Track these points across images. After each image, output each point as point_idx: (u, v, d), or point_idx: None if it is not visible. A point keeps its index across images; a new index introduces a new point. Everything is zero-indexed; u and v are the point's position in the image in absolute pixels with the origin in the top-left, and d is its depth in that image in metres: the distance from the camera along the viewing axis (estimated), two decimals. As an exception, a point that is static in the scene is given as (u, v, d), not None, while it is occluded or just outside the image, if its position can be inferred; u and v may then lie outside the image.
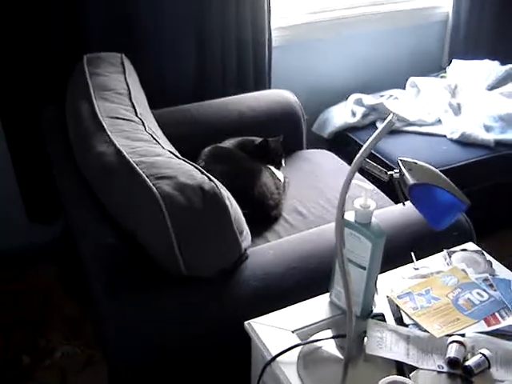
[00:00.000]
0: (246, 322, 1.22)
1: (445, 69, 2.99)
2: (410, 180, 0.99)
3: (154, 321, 1.23)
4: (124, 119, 1.54)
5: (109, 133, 1.45)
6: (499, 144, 2.42)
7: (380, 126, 0.89)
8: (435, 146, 2.40)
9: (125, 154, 1.34)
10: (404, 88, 2.83)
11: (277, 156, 2.08)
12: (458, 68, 2.81)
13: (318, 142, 2.63)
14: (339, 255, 1.01)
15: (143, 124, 1.55)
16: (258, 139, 2.08)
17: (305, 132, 2.33)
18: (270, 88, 2.55)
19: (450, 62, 3.00)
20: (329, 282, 1.28)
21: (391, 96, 2.73)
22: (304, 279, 1.37)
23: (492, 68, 2.74)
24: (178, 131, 2.06)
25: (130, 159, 1.31)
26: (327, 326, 1.24)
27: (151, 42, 2.22)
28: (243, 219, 1.33)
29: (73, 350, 2.08)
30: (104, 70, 1.76)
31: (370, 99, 2.60)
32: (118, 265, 1.22)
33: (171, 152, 1.39)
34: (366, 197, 1.15)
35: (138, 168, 1.28)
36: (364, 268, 1.19)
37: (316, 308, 1.28)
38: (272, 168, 2.03)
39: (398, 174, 1.00)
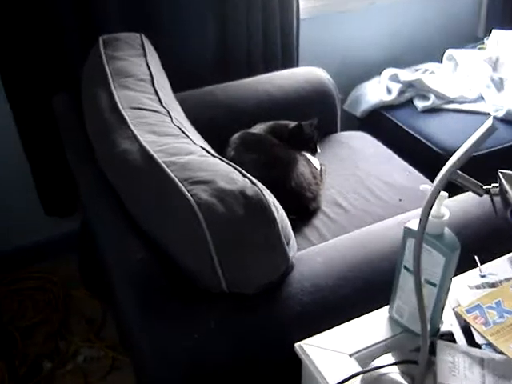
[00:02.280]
0: (296, 344, 1.07)
1: (482, 39, 2.78)
2: (516, 199, 0.81)
3: (193, 345, 1.08)
4: (148, 110, 1.37)
5: (132, 127, 1.28)
6: (548, 122, 2.23)
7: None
8: (479, 126, 2.19)
9: (152, 153, 1.17)
10: (440, 61, 2.64)
11: (312, 141, 1.92)
12: (499, 39, 2.60)
13: (349, 121, 2.45)
14: (416, 286, 0.84)
15: (169, 115, 1.38)
16: (291, 123, 1.91)
17: (339, 113, 2.15)
18: (297, 65, 2.37)
19: (488, 32, 2.78)
20: (384, 291, 1.13)
21: (427, 70, 2.53)
22: (357, 291, 1.21)
23: (536, 38, 2.53)
24: (203, 116, 1.90)
25: (159, 160, 1.15)
26: (388, 348, 1.09)
27: (169, 18, 2.04)
28: (290, 226, 1.17)
29: (96, 352, 1.95)
30: (123, 53, 1.59)
31: (405, 74, 2.41)
32: (150, 284, 1.07)
33: (204, 148, 1.23)
34: (440, 203, 0.99)
35: (168, 171, 1.12)
36: (434, 285, 1.03)
37: (374, 326, 1.13)
38: (307, 155, 1.87)
39: (496, 189, 0.82)
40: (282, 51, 2.28)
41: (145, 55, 1.61)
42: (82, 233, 2.11)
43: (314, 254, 1.28)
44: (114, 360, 1.92)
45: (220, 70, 2.20)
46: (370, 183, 1.84)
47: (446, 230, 1.01)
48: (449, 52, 2.54)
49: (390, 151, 2.02)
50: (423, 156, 2.18)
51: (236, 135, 1.83)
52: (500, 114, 2.21)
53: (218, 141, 1.75)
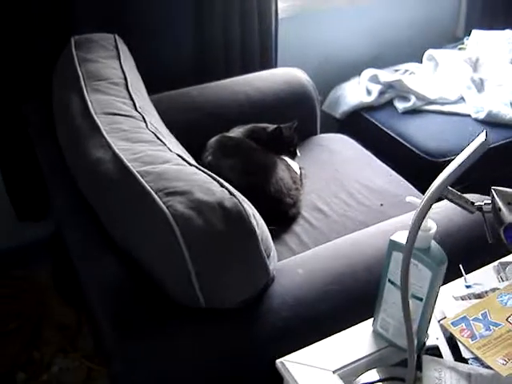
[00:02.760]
0: (278, 361, 1.03)
1: (462, 39, 2.76)
2: (509, 217, 0.77)
3: (168, 364, 1.03)
4: (122, 115, 1.32)
5: (105, 134, 1.23)
6: (527, 123, 2.21)
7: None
8: (460, 128, 2.19)
9: (126, 162, 1.12)
10: (419, 61, 2.61)
11: (291, 145, 1.87)
12: (478, 39, 2.58)
13: (328, 123, 2.41)
14: (404, 305, 0.81)
15: (144, 120, 1.33)
16: (270, 126, 1.87)
17: (319, 115, 2.11)
18: (276, 65, 2.32)
19: (467, 32, 2.77)
20: (367, 304, 1.09)
21: (407, 71, 2.51)
22: (339, 304, 1.18)
23: (515, 39, 2.52)
24: (179, 119, 1.85)
25: (134, 169, 1.10)
26: (372, 363, 1.06)
27: (144, 19, 1.98)
28: (270, 237, 1.13)
29: (72, 363, 1.88)
30: (96, 54, 1.53)
31: (385, 75, 2.38)
32: (123, 302, 1.02)
33: (180, 156, 1.18)
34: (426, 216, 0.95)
35: (143, 181, 1.07)
36: (420, 299, 1.00)
37: (357, 340, 1.09)
38: (287, 159, 1.82)
39: (488, 206, 0.79)
40: (261, 51, 2.23)
41: (119, 57, 1.56)
42: (54, 238, 2.04)
43: (294, 265, 1.23)
44: (89, 370, 1.86)
45: (197, 70, 2.14)
46: (350, 187, 1.80)
47: (433, 243, 0.97)
48: (429, 52, 2.52)
49: (370, 154, 1.99)
50: (404, 158, 2.15)
51: (213, 139, 1.78)
52: (481, 116, 2.19)
53: (194, 145, 1.70)
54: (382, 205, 1.72)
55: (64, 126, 1.37)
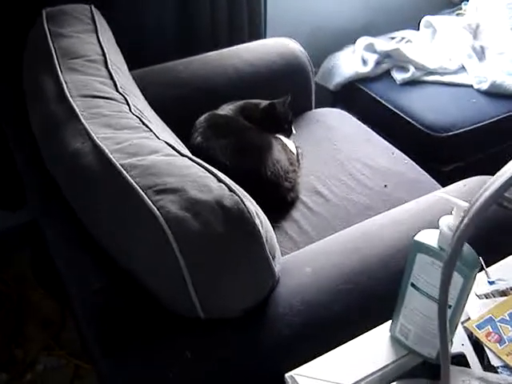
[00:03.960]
0: (287, 375, 0.92)
1: (458, 4, 2.62)
2: None
3: (164, 379, 0.91)
4: (102, 97, 1.18)
5: (83, 120, 1.08)
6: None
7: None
8: (462, 99, 2.07)
9: (108, 154, 0.98)
10: (415, 28, 2.47)
11: (286, 122, 1.73)
12: (478, 5, 2.44)
13: (321, 95, 2.27)
14: (441, 327, 0.69)
15: (127, 102, 1.19)
16: (262, 102, 1.73)
17: (314, 89, 1.97)
18: (265, 35, 2.17)
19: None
20: (383, 304, 0.98)
21: (403, 39, 2.36)
22: (352, 305, 1.06)
23: (516, 4, 2.38)
24: (164, 95, 1.71)
25: (117, 162, 0.96)
26: (392, 374, 0.94)
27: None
28: (274, 236, 1.00)
29: (57, 361, 1.76)
30: (70, 28, 1.37)
31: (382, 44, 2.23)
32: (112, 320, 0.89)
33: (169, 144, 1.04)
34: (458, 215, 0.82)
35: (128, 176, 0.93)
36: (449, 306, 0.88)
37: (374, 348, 0.98)
38: (282, 138, 1.69)
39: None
40: (249, 19, 2.08)
41: (96, 30, 1.41)
42: (33, 226, 1.90)
43: (301, 263, 1.11)
44: (76, 368, 1.74)
45: (181, 43, 1.99)
46: (351, 167, 1.67)
47: (465, 246, 0.85)
48: (426, 19, 2.37)
49: (369, 130, 1.86)
50: (404, 133, 2.03)
51: (202, 117, 1.64)
52: (484, 87, 2.06)
53: (181, 124, 1.56)
54: (385, 186, 1.60)
55: (37, 112, 1.22)
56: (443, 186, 1.64)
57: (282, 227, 1.49)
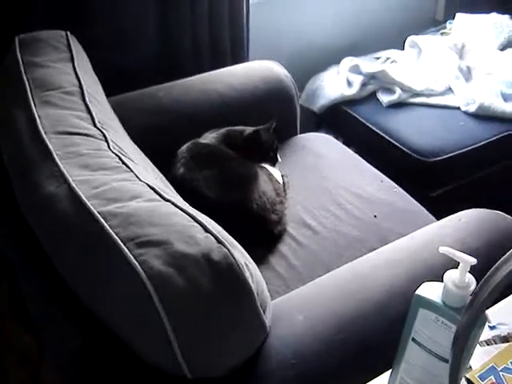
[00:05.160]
0: None
1: (442, 23, 2.59)
2: None
3: None
4: (78, 134, 1.10)
5: (58, 161, 1.01)
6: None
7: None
8: (450, 122, 2.03)
9: (84, 199, 0.91)
10: (400, 48, 2.43)
11: (271, 150, 1.67)
12: (463, 24, 2.41)
13: (305, 117, 2.21)
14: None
15: (105, 138, 1.12)
16: (247, 129, 1.67)
17: (299, 113, 1.91)
18: (248, 55, 2.11)
19: (447, 15, 2.60)
20: (380, 352, 0.93)
21: (388, 59, 2.32)
22: (349, 355, 1.00)
23: (502, 23, 2.35)
24: (144, 123, 1.65)
25: (95, 210, 0.89)
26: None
27: (100, 9, 1.74)
28: (265, 287, 0.93)
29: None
30: (45, 57, 1.30)
31: (367, 65, 2.18)
32: (91, 371, 0.82)
33: (152, 188, 0.97)
34: (464, 271, 0.77)
35: (108, 227, 0.86)
36: (454, 364, 0.81)
37: (373, 404, 0.91)
38: (267, 167, 1.63)
39: None
40: (231, 42, 2.02)
41: (72, 59, 1.33)
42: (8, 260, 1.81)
43: (292, 310, 1.04)
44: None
45: (162, 66, 1.92)
46: (339, 197, 1.62)
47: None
48: (411, 38, 2.33)
49: (356, 156, 1.81)
50: (391, 157, 1.98)
51: (184, 147, 1.58)
52: (471, 109, 2.02)
53: (163, 153, 1.51)
54: (375, 216, 1.55)
55: (9, 147, 1.14)
56: (431, 211, 1.60)
57: (269, 263, 1.42)
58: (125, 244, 0.83)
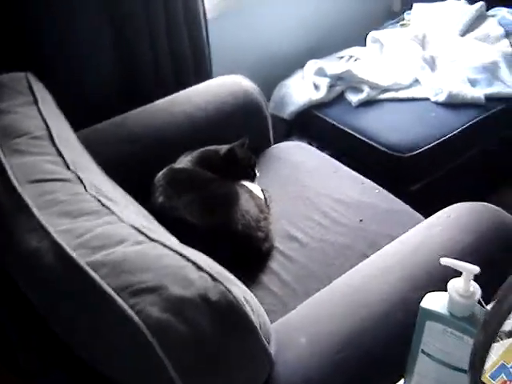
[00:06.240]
0: None
1: (399, 14, 2.59)
2: None
3: None
4: (53, 180, 1.07)
5: (36, 212, 0.98)
6: (489, 99, 2.06)
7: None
8: (421, 114, 2.03)
9: (70, 251, 0.88)
10: (361, 44, 2.42)
11: (249, 166, 1.65)
12: (421, 13, 2.41)
13: (275, 124, 2.19)
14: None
15: (81, 181, 1.09)
16: (221, 148, 1.64)
17: (271, 124, 1.89)
18: (211, 74, 2.08)
19: (404, 6, 2.61)
20: (387, 366, 0.94)
21: (352, 57, 2.32)
22: (355, 373, 0.98)
23: (460, 9, 2.36)
24: (116, 154, 1.61)
25: (81, 261, 0.85)
26: None
27: (55, 44, 1.70)
28: (267, 318, 0.91)
29: None
30: (9, 102, 1.26)
31: (332, 67, 2.18)
32: None
33: (136, 228, 0.94)
34: (468, 280, 0.75)
35: (98, 278, 0.83)
36: (465, 371, 0.80)
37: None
38: (247, 183, 1.60)
39: None
40: (194, 58, 1.99)
41: (36, 101, 1.29)
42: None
43: (294, 333, 1.03)
44: None
45: (125, 92, 1.88)
46: (322, 205, 1.60)
47: (478, 309, 0.78)
48: (372, 34, 2.33)
49: (334, 160, 1.79)
50: (367, 156, 1.98)
51: (160, 174, 1.55)
52: (441, 99, 2.02)
53: (139, 182, 1.47)
54: (361, 221, 1.54)
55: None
56: (413, 206, 1.59)
57: (261, 282, 1.41)
58: (118, 294, 0.80)
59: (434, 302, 0.82)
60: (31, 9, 1.61)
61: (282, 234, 1.52)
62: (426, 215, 1.52)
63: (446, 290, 1.06)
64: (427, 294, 0.84)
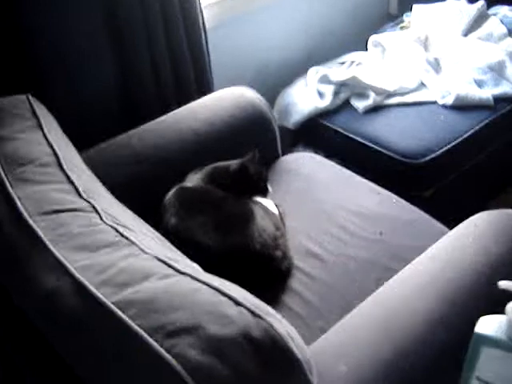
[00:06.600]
0: None
1: (397, 17, 2.55)
2: None
3: None
4: (66, 210, 1.00)
5: (51, 247, 0.91)
6: (496, 100, 2.01)
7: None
8: (430, 118, 1.98)
9: (93, 290, 0.81)
10: (362, 48, 2.38)
11: (261, 180, 1.59)
12: (422, 15, 2.37)
13: (281, 135, 2.14)
14: None
15: (95, 209, 1.02)
16: (232, 164, 1.58)
17: (278, 136, 1.84)
18: (213, 83, 2.03)
19: (401, 8, 2.57)
20: None
21: (353, 62, 2.27)
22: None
23: (461, 9, 2.31)
24: (121, 176, 1.55)
25: (108, 302, 0.79)
26: None
27: (55, 65, 1.64)
28: (306, 348, 0.85)
29: None
30: (11, 128, 1.20)
31: (336, 73, 2.12)
32: None
33: (161, 260, 0.88)
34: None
35: (127, 319, 0.76)
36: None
37: None
38: (260, 199, 1.54)
39: None
40: (195, 71, 1.93)
41: (40, 126, 1.23)
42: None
43: (332, 361, 0.96)
44: None
45: (127, 109, 1.82)
46: (339, 218, 1.54)
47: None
48: (374, 38, 2.28)
49: (346, 170, 1.74)
50: (379, 165, 1.92)
51: (170, 194, 1.48)
52: (449, 101, 1.98)
53: (148, 204, 1.41)
54: (381, 233, 1.48)
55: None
56: (428, 211, 1.54)
57: (283, 303, 1.35)
58: (151, 336, 0.73)
59: (489, 326, 0.76)
60: (26, 22, 1.55)
61: (301, 251, 1.47)
62: (441, 221, 1.47)
63: (485, 306, 1.01)
64: (481, 318, 0.78)
